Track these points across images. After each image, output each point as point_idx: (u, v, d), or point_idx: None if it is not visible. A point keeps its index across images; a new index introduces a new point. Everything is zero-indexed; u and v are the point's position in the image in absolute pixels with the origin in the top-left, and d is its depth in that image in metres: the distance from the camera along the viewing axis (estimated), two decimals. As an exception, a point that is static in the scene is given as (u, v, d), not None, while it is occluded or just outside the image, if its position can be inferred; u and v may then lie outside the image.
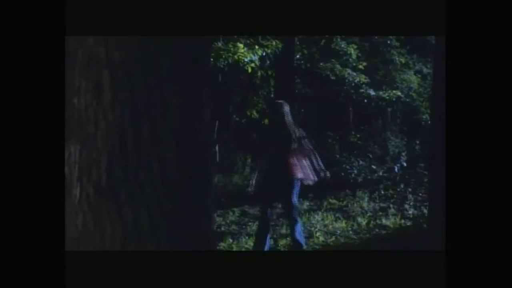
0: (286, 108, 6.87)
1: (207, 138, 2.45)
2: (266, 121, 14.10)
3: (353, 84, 15.75)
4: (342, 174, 13.58)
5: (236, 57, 11.61)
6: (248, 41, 12.05)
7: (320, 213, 9.79)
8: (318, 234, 8.08)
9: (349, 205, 10.94)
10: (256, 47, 11.98)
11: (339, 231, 8.37)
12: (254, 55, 11.87)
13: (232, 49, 11.54)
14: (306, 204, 10.99)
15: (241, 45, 11.53)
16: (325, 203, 10.99)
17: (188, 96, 2.33)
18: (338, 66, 15.38)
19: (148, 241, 2.31)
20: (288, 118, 6.82)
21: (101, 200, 2.29)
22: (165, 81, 2.28)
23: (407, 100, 17.63)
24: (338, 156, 14.29)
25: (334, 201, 11.26)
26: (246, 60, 11.88)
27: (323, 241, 7.77)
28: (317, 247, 7.46)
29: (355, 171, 13.90)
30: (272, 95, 16.03)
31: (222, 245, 7.04)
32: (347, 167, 13.89)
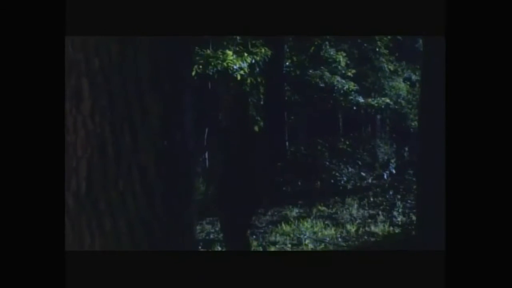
0: None
1: (189, 145, 2.42)
2: (256, 128, 14.11)
3: (342, 92, 15.80)
4: (332, 181, 13.62)
5: (225, 64, 11.62)
6: (238, 48, 12.07)
7: (309, 220, 9.79)
8: (307, 241, 8.08)
9: (339, 212, 10.95)
10: (245, 54, 12.01)
11: (328, 239, 8.37)
12: (243, 62, 11.88)
13: (221, 56, 11.56)
14: (295, 211, 10.99)
15: (230, 52, 11.54)
16: (314, 210, 11.00)
17: (168, 103, 2.31)
18: (327, 73, 15.43)
19: (127, 251, 2.29)
20: None
21: (80, 209, 2.27)
22: (145, 88, 2.26)
23: (396, 107, 17.71)
24: (327, 163, 14.33)
25: (323, 208, 11.27)
26: (235, 67, 11.89)
27: (312, 249, 7.77)
28: (306, 255, 7.50)
29: (345, 178, 13.94)
30: (261, 102, 16.05)
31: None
32: (337, 174, 13.92)
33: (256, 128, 14.22)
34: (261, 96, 15.90)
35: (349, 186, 13.63)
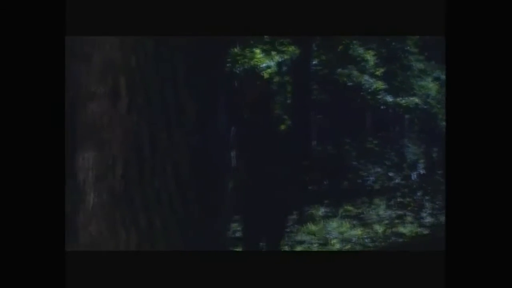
0: None
1: (222, 143, 2.45)
2: (283, 127, 14.05)
3: (370, 91, 15.66)
4: (359, 181, 13.53)
5: (252, 62, 11.59)
6: (265, 47, 12.05)
7: (335, 220, 9.72)
8: (333, 241, 8.03)
9: (365, 212, 10.87)
10: (273, 53, 11.97)
11: (354, 239, 8.31)
12: (271, 61, 11.83)
13: (248, 54, 11.54)
14: (321, 211, 10.93)
15: (257, 51, 11.52)
16: (341, 210, 10.92)
17: (203, 101, 2.32)
18: (355, 72, 15.32)
19: (162, 247, 2.30)
20: None
21: (116, 206, 2.28)
22: (180, 87, 2.27)
23: (425, 107, 17.52)
24: (354, 162, 14.23)
25: (350, 208, 11.19)
26: (262, 66, 11.85)
27: (338, 249, 7.72)
28: (336, 255, 7.46)
29: (372, 178, 13.84)
30: (288, 101, 15.99)
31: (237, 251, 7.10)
32: (364, 174, 13.82)
33: (283, 127, 14.15)
34: (288, 95, 15.83)
35: (376, 186, 13.52)
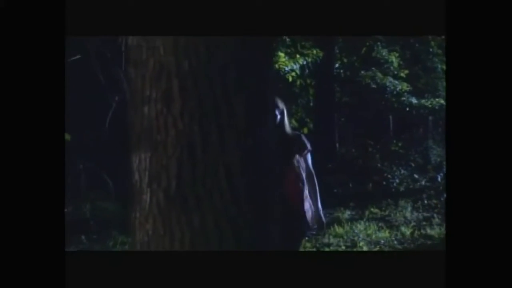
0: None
1: (271, 144, 2.50)
2: (305, 129, 14.03)
3: (394, 92, 15.57)
4: (384, 183, 13.45)
5: (277, 66, 11.56)
6: (289, 50, 12.00)
7: (362, 222, 9.69)
8: (361, 243, 8.00)
9: (392, 214, 10.81)
10: (297, 56, 11.94)
11: (382, 241, 8.28)
12: (295, 64, 11.82)
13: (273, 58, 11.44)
14: (347, 213, 10.90)
15: (282, 54, 11.50)
16: (367, 213, 10.88)
17: (253, 103, 2.39)
18: (379, 74, 15.26)
19: (215, 246, 2.36)
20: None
21: (171, 205, 2.35)
22: (230, 89, 2.34)
23: (450, 108, 17.37)
24: (379, 165, 14.16)
25: (376, 210, 11.15)
26: (286, 69, 11.83)
27: (367, 251, 7.70)
28: (362, 256, 7.43)
29: (397, 180, 13.76)
30: (311, 104, 15.96)
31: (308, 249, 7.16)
32: (389, 176, 13.75)
33: (306, 130, 14.13)
34: (311, 98, 15.81)
35: (401, 189, 13.45)
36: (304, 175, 4.94)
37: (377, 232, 8.96)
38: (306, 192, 4.98)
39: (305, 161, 5.01)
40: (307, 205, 4.93)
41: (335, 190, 13.06)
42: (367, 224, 9.53)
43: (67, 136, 6.83)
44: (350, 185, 13.69)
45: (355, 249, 7.68)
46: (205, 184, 2.33)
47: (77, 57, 11.75)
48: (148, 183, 2.38)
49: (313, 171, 5.10)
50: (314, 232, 6.97)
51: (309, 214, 4.93)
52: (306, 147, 4.97)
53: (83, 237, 9.07)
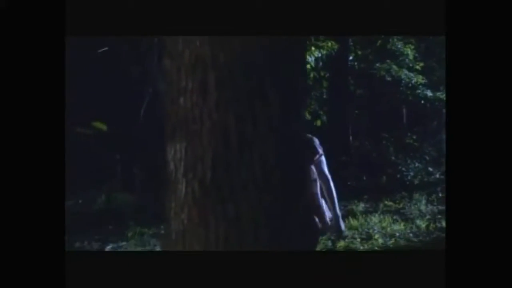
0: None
1: (304, 135, 2.54)
2: (319, 122, 13.99)
3: (409, 85, 15.48)
4: (398, 176, 13.40)
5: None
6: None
7: (376, 215, 9.67)
8: (377, 236, 7.97)
9: (406, 207, 10.78)
10: (313, 48, 11.88)
11: (398, 233, 8.25)
12: (311, 57, 11.77)
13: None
14: (361, 206, 10.87)
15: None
16: (381, 205, 10.85)
17: (287, 94, 2.41)
18: (394, 66, 15.17)
19: (249, 236, 2.38)
20: None
21: (206, 195, 2.38)
22: (265, 81, 2.36)
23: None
24: (393, 157, 14.11)
25: (390, 203, 11.12)
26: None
27: (382, 243, 7.67)
28: (377, 249, 7.39)
29: (411, 173, 13.69)
30: (324, 96, 15.92)
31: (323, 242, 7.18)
32: (403, 169, 13.69)
33: (319, 123, 14.09)
34: (324, 90, 15.76)
35: (416, 182, 13.39)
36: (318, 182, 4.85)
37: (392, 224, 8.95)
38: (321, 199, 4.90)
39: (318, 167, 4.89)
40: (323, 210, 4.86)
41: (349, 183, 13.03)
42: (381, 216, 9.53)
43: (104, 126, 6.81)
44: (364, 178, 13.65)
45: (370, 242, 7.66)
46: (239, 174, 2.36)
47: (105, 49, 11.79)
48: (183, 173, 2.41)
49: (328, 176, 4.96)
50: (332, 237, 6.96)
51: (325, 218, 4.87)
52: (317, 152, 4.86)
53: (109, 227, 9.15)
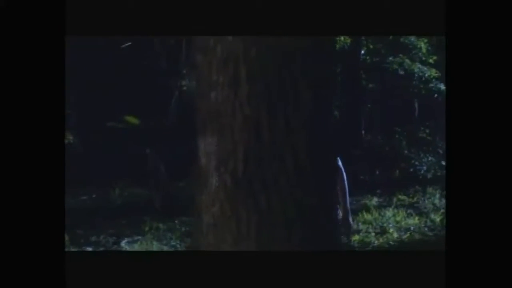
0: None
1: (333, 131, 2.55)
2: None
3: (423, 79, 15.37)
4: (411, 170, 13.34)
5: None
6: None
7: (390, 209, 9.63)
8: (391, 230, 7.94)
9: (420, 201, 10.73)
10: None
11: (412, 227, 8.22)
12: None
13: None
14: (375, 200, 10.83)
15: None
16: (394, 199, 10.81)
17: (318, 89, 2.41)
18: (407, 60, 15.08)
19: (280, 229, 2.38)
20: None
21: (238, 188, 2.38)
22: (297, 75, 2.37)
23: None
24: (406, 151, 14.04)
25: (403, 197, 11.08)
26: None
27: (397, 237, 7.64)
28: (392, 243, 7.37)
29: (424, 167, 13.62)
30: (337, 91, 15.87)
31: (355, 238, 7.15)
32: (416, 163, 13.62)
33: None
34: (336, 84, 15.70)
35: (429, 175, 13.32)
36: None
37: (406, 219, 8.92)
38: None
39: None
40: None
41: (361, 177, 12.99)
42: (395, 211, 9.50)
43: (136, 120, 6.78)
44: (377, 172, 13.60)
45: (385, 236, 7.62)
46: (271, 167, 2.36)
47: (128, 44, 11.78)
48: (215, 167, 2.42)
49: (342, 169, 4.96)
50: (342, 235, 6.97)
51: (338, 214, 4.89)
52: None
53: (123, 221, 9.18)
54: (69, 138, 12.64)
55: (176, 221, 8.96)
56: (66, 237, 6.83)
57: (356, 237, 7.21)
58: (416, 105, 17.70)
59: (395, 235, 7.76)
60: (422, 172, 13.44)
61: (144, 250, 5.87)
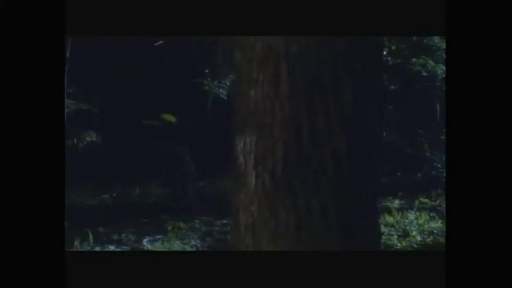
0: None
1: (374, 129, 2.61)
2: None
3: (447, 80, 15.20)
4: (433, 172, 13.20)
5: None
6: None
7: (412, 212, 9.56)
8: (414, 233, 7.88)
9: (443, 204, 10.62)
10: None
11: (435, 231, 8.15)
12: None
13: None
14: (396, 203, 10.76)
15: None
16: (416, 202, 10.72)
17: (358, 89, 2.44)
18: (430, 61, 14.95)
19: (319, 229, 2.40)
20: None
21: (277, 187, 2.39)
22: (339, 74, 2.39)
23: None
24: (428, 154, 13.89)
25: (425, 200, 10.98)
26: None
27: (421, 240, 7.57)
28: (415, 246, 7.30)
29: (447, 170, 13.46)
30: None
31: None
32: (438, 165, 13.48)
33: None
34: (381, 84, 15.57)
35: (452, 178, 13.15)
36: None
37: (429, 222, 8.84)
38: None
39: None
40: None
41: (382, 179, 12.89)
42: (417, 213, 9.41)
43: (173, 118, 6.75)
44: (398, 174, 13.49)
45: (408, 239, 7.56)
46: (311, 167, 2.35)
47: (160, 42, 11.80)
48: (253, 165, 2.42)
49: None
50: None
51: None
52: None
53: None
54: (93, 136, 12.74)
55: (196, 221, 8.99)
56: (90, 235, 6.93)
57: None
58: (438, 107, 17.53)
59: (419, 238, 7.70)
60: (444, 175, 13.29)
61: (166, 249, 6.04)
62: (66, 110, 10.88)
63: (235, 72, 2.55)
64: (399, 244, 7.42)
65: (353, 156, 2.41)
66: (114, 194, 11.87)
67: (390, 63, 15.37)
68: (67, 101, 9.68)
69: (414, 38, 14.78)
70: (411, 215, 9.26)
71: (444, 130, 10.12)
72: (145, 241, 7.42)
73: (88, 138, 12.78)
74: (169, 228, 8.35)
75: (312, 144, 2.35)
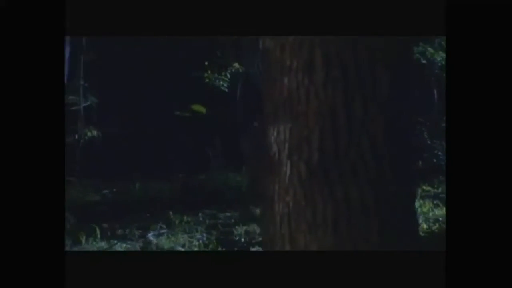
0: None
1: (412, 116, 2.62)
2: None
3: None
4: (434, 160, 13.19)
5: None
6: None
7: (416, 200, 9.55)
8: (420, 221, 7.91)
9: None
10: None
11: (441, 218, 8.16)
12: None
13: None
14: (398, 191, 10.74)
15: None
16: (419, 190, 10.72)
17: (396, 75, 2.41)
18: (430, 49, 14.91)
19: (358, 219, 2.37)
20: None
21: (313, 177, 2.35)
22: (376, 59, 2.36)
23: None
24: (428, 142, 13.89)
25: (428, 188, 10.98)
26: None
27: (427, 228, 7.57)
28: (422, 234, 7.32)
29: (448, 157, 13.46)
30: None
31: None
32: (439, 153, 13.47)
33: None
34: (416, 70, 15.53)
35: (452, 166, 13.16)
36: None
37: (434, 209, 8.85)
38: None
39: None
40: None
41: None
42: (421, 201, 9.41)
43: (203, 109, 6.67)
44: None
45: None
46: (348, 155, 2.31)
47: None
48: (288, 155, 2.37)
49: None
50: None
51: None
52: None
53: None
54: (93, 132, 12.73)
55: (200, 214, 9.00)
56: (98, 231, 7.06)
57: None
58: (439, 94, 17.50)
59: (425, 226, 7.72)
60: (445, 162, 13.30)
61: (171, 243, 6.05)
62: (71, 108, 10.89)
63: (265, 60, 2.50)
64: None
65: (391, 144, 2.38)
66: (114, 190, 11.89)
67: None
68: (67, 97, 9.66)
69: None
70: (415, 204, 9.28)
71: (444, 118, 10.11)
72: (150, 236, 7.45)
73: (89, 134, 12.78)
74: (177, 222, 8.38)
75: (348, 132, 2.31)
